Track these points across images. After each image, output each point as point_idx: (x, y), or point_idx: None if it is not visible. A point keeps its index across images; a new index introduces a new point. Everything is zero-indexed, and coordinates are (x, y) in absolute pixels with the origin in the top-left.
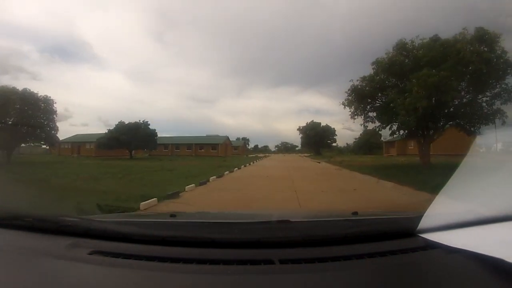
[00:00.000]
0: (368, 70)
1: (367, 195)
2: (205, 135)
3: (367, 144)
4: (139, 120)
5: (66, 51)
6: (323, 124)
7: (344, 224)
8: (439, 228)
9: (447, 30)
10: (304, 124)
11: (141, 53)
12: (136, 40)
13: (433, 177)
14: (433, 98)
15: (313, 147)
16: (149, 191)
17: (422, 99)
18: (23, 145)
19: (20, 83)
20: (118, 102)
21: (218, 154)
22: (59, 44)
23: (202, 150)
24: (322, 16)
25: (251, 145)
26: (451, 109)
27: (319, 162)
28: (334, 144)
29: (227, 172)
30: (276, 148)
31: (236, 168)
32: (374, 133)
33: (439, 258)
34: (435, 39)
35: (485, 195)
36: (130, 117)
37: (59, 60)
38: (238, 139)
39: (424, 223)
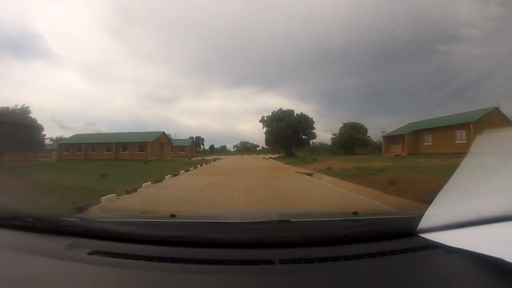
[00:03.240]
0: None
1: None
2: (130, 132)
3: (351, 140)
4: (15, 106)
5: (17, 45)
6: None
7: (344, 224)
8: (439, 228)
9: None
10: (269, 114)
11: (97, 49)
12: (92, 35)
13: None
14: None
15: (282, 145)
16: None
17: None
18: None
19: None
20: (73, 101)
21: (147, 157)
22: (9, 36)
23: (126, 152)
24: (281, 16)
25: (206, 145)
26: None
27: (311, 175)
28: (312, 141)
29: None
30: (235, 149)
31: None
32: (358, 128)
33: (439, 258)
34: None
35: (485, 195)
36: (86, 117)
37: (9, 55)
38: (191, 138)
39: (424, 223)
